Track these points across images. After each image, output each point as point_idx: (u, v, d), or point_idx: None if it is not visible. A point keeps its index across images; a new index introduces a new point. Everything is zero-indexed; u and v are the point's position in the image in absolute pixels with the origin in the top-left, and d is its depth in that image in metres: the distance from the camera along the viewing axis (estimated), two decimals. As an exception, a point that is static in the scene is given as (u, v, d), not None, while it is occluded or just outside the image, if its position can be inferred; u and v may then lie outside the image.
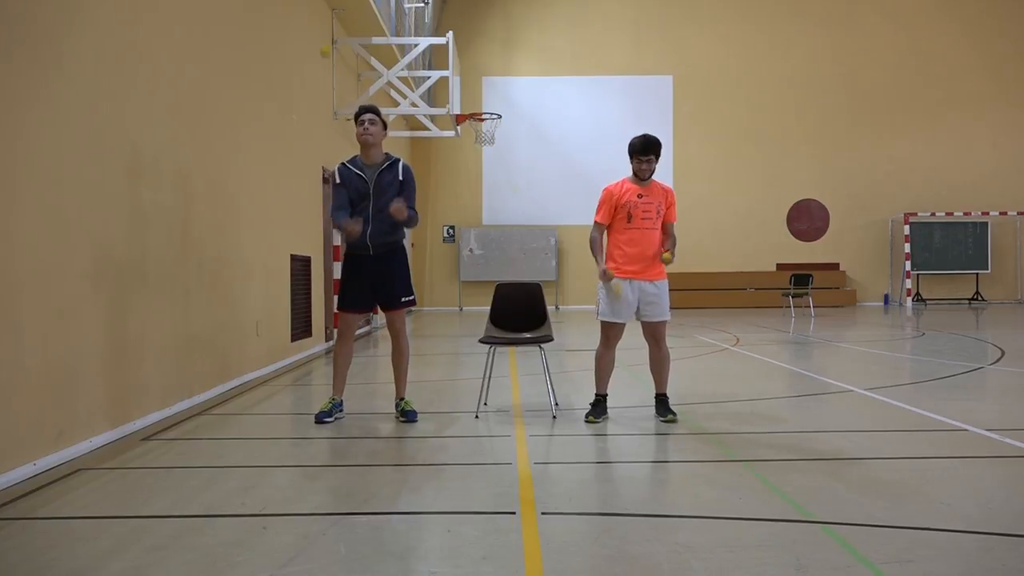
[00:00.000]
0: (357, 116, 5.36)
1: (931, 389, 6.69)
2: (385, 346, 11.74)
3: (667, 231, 5.38)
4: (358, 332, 12.49)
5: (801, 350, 10.31)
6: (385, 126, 5.43)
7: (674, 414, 5.28)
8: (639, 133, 5.32)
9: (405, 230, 5.50)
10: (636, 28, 20.62)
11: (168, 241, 5.70)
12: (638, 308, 5.31)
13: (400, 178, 5.34)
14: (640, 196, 5.25)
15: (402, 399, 5.52)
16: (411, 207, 5.29)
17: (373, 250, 5.28)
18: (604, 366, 5.38)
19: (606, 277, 5.24)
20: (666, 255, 5.22)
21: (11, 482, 3.83)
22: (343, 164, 5.39)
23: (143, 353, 5.27)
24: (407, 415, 5.38)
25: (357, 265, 5.35)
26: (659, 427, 5.14)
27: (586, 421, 5.24)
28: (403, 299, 5.41)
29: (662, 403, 5.38)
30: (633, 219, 5.24)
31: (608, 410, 5.42)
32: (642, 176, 5.29)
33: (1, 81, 3.83)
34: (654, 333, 5.38)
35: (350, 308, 5.39)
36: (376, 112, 5.38)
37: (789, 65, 20.57)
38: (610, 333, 5.35)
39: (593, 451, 4.64)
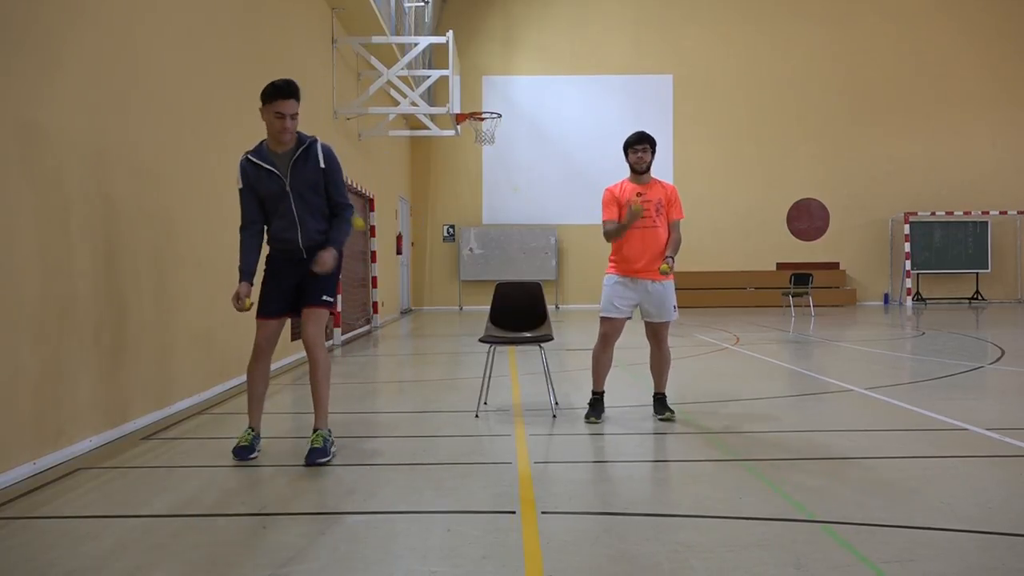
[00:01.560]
0: (270, 99, 4.25)
1: (931, 389, 6.69)
2: (385, 345, 11.79)
3: (670, 230, 5.27)
4: (357, 332, 12.48)
5: (801, 349, 10.31)
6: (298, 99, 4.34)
7: (672, 412, 5.29)
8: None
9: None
10: (636, 28, 20.60)
11: (167, 240, 5.70)
12: (642, 308, 5.26)
13: (322, 165, 4.39)
14: (639, 195, 5.15)
15: (316, 431, 4.36)
16: (340, 199, 4.48)
17: (307, 253, 4.45)
18: (602, 364, 5.34)
19: (636, 210, 4.94)
20: (664, 266, 5.07)
21: (11, 481, 3.83)
22: (246, 158, 4.38)
23: (143, 352, 5.27)
24: (311, 454, 4.21)
25: (283, 266, 4.56)
26: (659, 426, 5.14)
27: (587, 421, 5.22)
28: (323, 297, 4.51)
29: (660, 402, 5.38)
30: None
31: (607, 408, 5.41)
32: (638, 168, 5.18)
33: (3, 81, 3.83)
34: (656, 333, 5.33)
35: (273, 314, 4.56)
36: (298, 96, 4.32)
37: (789, 65, 20.56)
38: (609, 330, 5.26)
39: (593, 450, 4.64)
